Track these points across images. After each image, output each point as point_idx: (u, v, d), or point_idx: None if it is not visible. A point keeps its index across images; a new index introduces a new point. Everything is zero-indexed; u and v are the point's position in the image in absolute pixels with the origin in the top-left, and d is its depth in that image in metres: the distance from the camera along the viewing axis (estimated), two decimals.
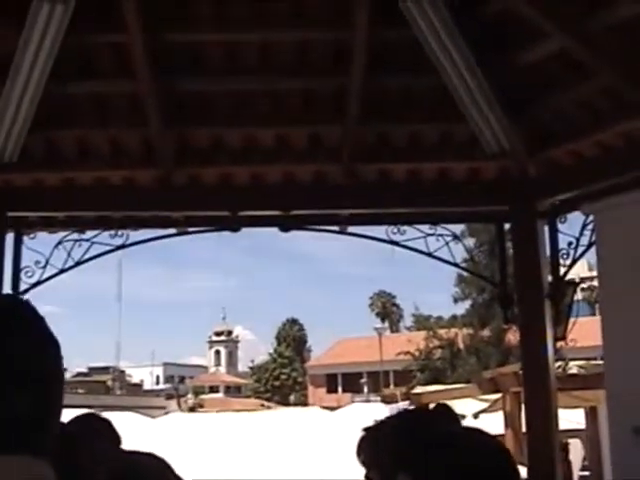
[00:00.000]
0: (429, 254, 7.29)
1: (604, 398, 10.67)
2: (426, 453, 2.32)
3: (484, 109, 6.71)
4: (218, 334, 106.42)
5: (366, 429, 4.24)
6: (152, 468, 5.33)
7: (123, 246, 7.36)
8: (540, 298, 6.98)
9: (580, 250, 7.02)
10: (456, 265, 7.80)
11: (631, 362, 6.50)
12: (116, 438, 5.47)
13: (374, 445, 3.91)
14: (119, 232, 7.38)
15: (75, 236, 7.42)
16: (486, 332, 46.11)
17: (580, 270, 8.19)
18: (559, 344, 7.46)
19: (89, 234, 7.42)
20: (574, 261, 7.00)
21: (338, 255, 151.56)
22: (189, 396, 71.03)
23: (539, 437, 7.02)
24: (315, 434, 13.32)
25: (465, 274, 47.38)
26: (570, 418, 14.85)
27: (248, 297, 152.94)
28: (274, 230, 7.47)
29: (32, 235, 7.57)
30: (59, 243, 7.39)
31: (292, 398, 74.17)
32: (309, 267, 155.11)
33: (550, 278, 7.15)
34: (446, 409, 4.06)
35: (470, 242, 35.25)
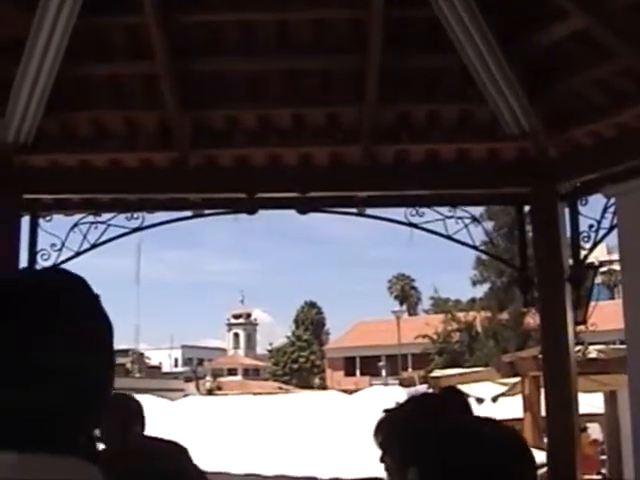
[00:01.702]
0: (448, 237, 7.21)
1: (624, 382, 10.60)
2: (433, 450, 2.26)
3: (504, 89, 6.62)
4: (237, 317, 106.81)
5: (386, 411, 4.19)
6: (170, 456, 5.32)
7: (139, 228, 7.31)
8: (560, 281, 6.89)
9: (601, 233, 6.91)
10: (475, 248, 7.71)
11: None
12: (144, 421, 5.48)
13: (390, 429, 3.87)
14: (135, 214, 7.34)
15: (91, 218, 7.36)
16: (505, 315, 46.09)
17: (599, 254, 8.11)
18: (579, 328, 7.36)
19: (105, 216, 7.36)
20: (595, 244, 6.90)
21: (357, 238, 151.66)
22: (207, 378, 71.18)
23: (558, 422, 6.94)
24: (333, 417, 13.31)
25: (484, 257, 47.39)
26: (589, 402, 14.75)
27: (267, 280, 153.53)
28: (292, 213, 7.39)
29: (48, 218, 7.53)
30: (75, 225, 7.35)
31: (316, 381, 74.24)
32: (327, 250, 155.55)
33: (570, 261, 7.06)
34: (457, 394, 4.01)
35: (489, 225, 35.07)
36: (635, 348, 6.84)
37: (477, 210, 7.60)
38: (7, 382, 1.38)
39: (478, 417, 2.70)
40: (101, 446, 4.53)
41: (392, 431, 3.82)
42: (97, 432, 1.53)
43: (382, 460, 3.85)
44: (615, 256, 8.73)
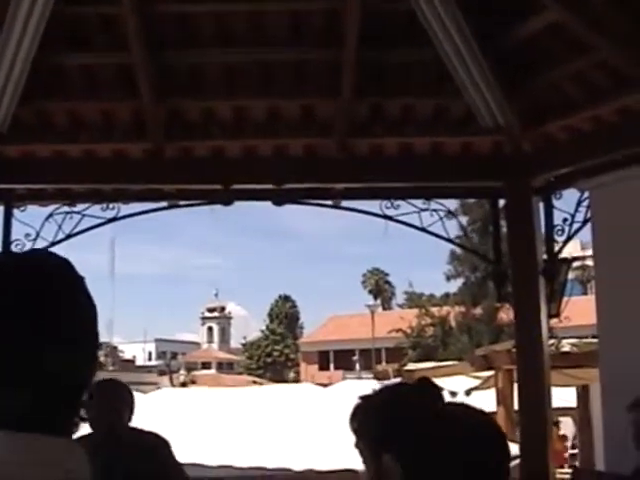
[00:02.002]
0: (423, 229, 7.24)
1: (596, 376, 10.68)
2: (410, 435, 2.28)
3: (479, 83, 6.65)
4: (211, 310, 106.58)
5: (361, 397, 4.22)
6: (156, 447, 5.33)
7: (114, 219, 7.31)
8: (534, 275, 6.93)
9: (575, 227, 6.97)
10: (450, 241, 7.74)
11: (626, 339, 6.47)
12: (133, 407, 5.48)
13: (365, 415, 3.89)
14: (110, 205, 7.33)
15: (66, 209, 7.36)
16: (478, 310, 46.20)
17: (573, 249, 8.14)
18: (553, 321, 7.40)
19: (80, 207, 7.36)
20: (569, 238, 6.96)
21: (331, 233, 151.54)
22: (181, 372, 71.03)
23: (531, 415, 6.99)
24: (307, 410, 13.31)
25: (458, 251, 47.51)
26: (562, 396, 14.83)
27: (241, 274, 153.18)
28: (267, 207, 7.40)
29: (22, 208, 7.50)
30: (50, 216, 7.33)
31: (290, 375, 74.26)
32: (302, 244, 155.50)
33: (544, 255, 7.10)
34: (432, 386, 4.04)
35: (463, 220, 35.12)
36: (606, 341, 6.90)
37: (452, 204, 7.62)
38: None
39: (453, 403, 2.73)
40: (88, 430, 4.53)
41: (367, 417, 3.84)
42: (85, 415, 1.53)
43: (357, 446, 3.88)
44: (589, 252, 8.81)
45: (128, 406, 5.42)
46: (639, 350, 6.29)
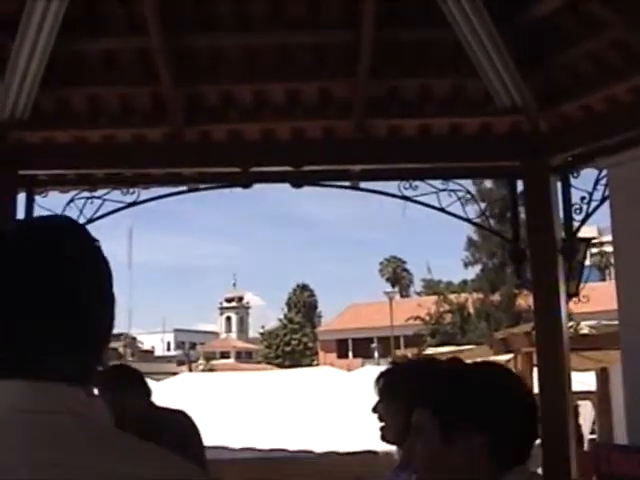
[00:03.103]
0: (441, 209, 7.26)
1: (615, 359, 10.68)
2: (445, 389, 2.35)
3: (497, 63, 6.67)
4: (229, 300, 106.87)
5: (391, 362, 4.30)
6: (177, 424, 5.40)
7: (135, 203, 7.36)
8: (553, 254, 6.95)
9: (593, 205, 6.98)
10: (468, 221, 7.76)
11: None
12: (147, 389, 5.54)
13: (393, 377, 3.97)
14: (130, 190, 7.39)
15: (86, 194, 7.41)
16: (496, 297, 46.14)
17: (590, 235, 8.14)
18: (571, 305, 7.40)
19: (100, 192, 7.42)
20: (587, 216, 6.96)
21: (348, 220, 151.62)
22: (200, 362, 71.22)
23: (551, 398, 6.96)
24: (329, 393, 13.36)
25: (475, 238, 47.46)
26: (581, 380, 14.82)
27: (259, 263, 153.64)
28: (285, 196, 7.46)
29: (44, 194, 7.56)
30: (71, 201, 7.39)
31: (309, 364, 74.35)
32: (319, 232, 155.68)
33: (563, 234, 7.12)
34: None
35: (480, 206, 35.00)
36: (628, 321, 6.91)
37: (469, 189, 7.59)
38: (39, 315, 1.43)
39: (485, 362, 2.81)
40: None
41: (396, 378, 3.92)
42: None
43: (376, 409, 3.96)
44: (606, 237, 8.83)
45: (140, 388, 5.47)
46: None
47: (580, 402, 18.57)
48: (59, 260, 1.47)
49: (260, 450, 10.56)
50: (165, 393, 13.73)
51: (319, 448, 10.59)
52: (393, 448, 4.42)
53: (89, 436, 1.39)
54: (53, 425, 1.37)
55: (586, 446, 17.79)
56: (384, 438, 4.01)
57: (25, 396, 1.39)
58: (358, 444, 9.71)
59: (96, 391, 1.56)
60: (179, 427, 5.32)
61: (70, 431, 1.37)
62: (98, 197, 7.34)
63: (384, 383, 4.00)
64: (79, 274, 1.49)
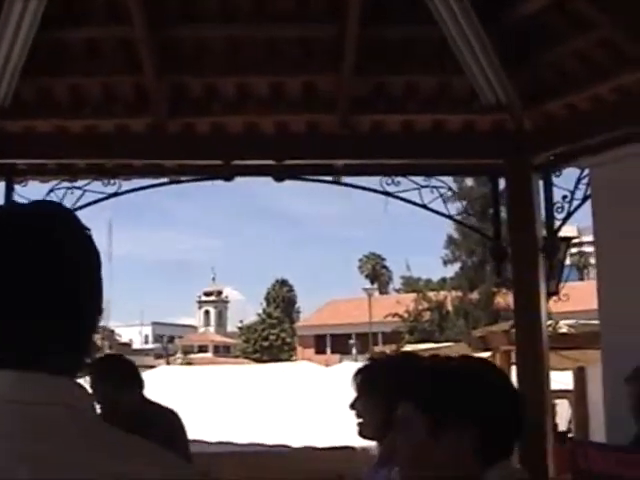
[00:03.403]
0: (423, 205, 7.27)
1: (593, 358, 10.70)
2: (428, 384, 2.34)
3: (482, 61, 6.66)
4: (208, 294, 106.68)
5: (369, 359, 4.29)
6: (165, 419, 5.40)
7: (116, 194, 7.32)
8: (534, 252, 6.96)
9: (575, 204, 7.00)
10: (450, 217, 7.77)
11: (627, 316, 6.48)
12: (140, 381, 5.52)
13: (372, 373, 3.96)
14: (112, 181, 7.35)
15: (67, 184, 7.36)
16: (475, 295, 46.28)
17: (570, 234, 8.17)
18: (550, 303, 7.42)
19: (81, 182, 7.37)
20: (569, 215, 6.99)
21: (329, 217, 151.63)
22: (178, 355, 71.08)
23: (530, 396, 6.96)
24: (306, 388, 13.36)
25: (455, 236, 47.57)
26: (558, 379, 14.86)
27: (238, 258, 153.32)
28: (266, 190, 7.44)
29: (23, 183, 7.51)
30: (51, 191, 7.35)
31: (287, 359, 74.38)
32: (300, 228, 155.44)
33: (544, 232, 7.13)
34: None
35: (460, 205, 35.10)
36: (608, 319, 6.92)
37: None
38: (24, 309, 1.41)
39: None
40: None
41: (375, 373, 3.91)
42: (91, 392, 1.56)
43: (353, 406, 3.94)
44: (585, 238, 8.88)
45: (133, 379, 5.45)
46: (639, 328, 6.31)
47: (557, 401, 18.63)
48: (60, 257, 1.45)
49: (237, 444, 10.55)
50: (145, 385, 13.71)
51: (296, 443, 10.58)
52: (371, 444, 4.40)
53: (79, 429, 1.37)
54: (44, 417, 1.35)
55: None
56: (362, 434, 3.99)
57: (15, 387, 1.37)
58: (336, 439, 9.71)
59: (88, 382, 1.53)
60: (167, 423, 5.34)
61: (63, 424, 1.35)
62: (79, 187, 7.30)
63: (362, 379, 3.98)
64: (78, 271, 1.46)
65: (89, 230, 1.54)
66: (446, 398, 2.27)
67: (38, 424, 1.33)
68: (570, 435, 19.70)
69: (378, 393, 3.75)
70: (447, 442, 2.22)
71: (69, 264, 1.45)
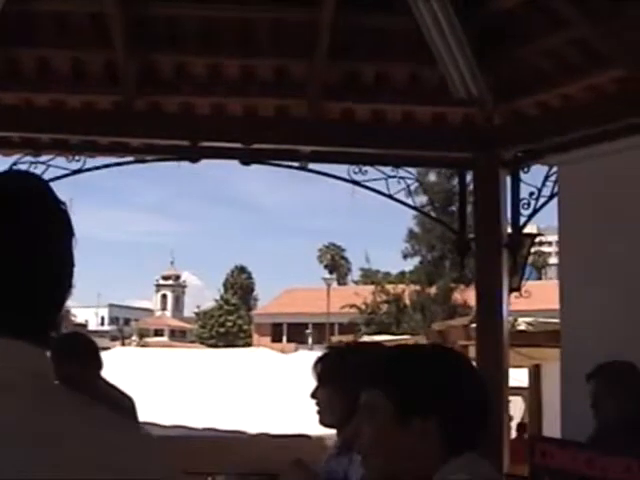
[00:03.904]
0: (389, 196, 7.24)
1: (550, 356, 10.75)
2: (398, 371, 2.31)
3: (455, 54, 6.64)
4: (165, 278, 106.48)
5: (328, 347, 4.26)
6: (122, 404, 5.36)
7: (80, 171, 7.22)
8: (498, 247, 6.97)
9: (541, 201, 7.01)
10: (415, 208, 7.77)
11: (587, 316, 6.50)
12: (99, 362, 5.43)
13: (332, 361, 3.93)
14: (76, 157, 7.25)
15: (30, 159, 7.26)
16: (433, 290, 46.49)
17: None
18: (511, 298, 7.42)
19: (45, 157, 7.27)
20: (535, 212, 7.00)
21: (291, 206, 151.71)
22: (134, 338, 70.83)
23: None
24: (263, 374, 13.34)
25: (416, 230, 47.73)
26: (513, 376, 14.93)
27: (197, 243, 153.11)
28: (227, 176, 7.38)
29: None
30: (14, 164, 7.24)
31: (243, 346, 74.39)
32: (261, 216, 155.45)
33: (509, 228, 7.14)
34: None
35: (423, 199, 35.22)
36: (568, 318, 6.93)
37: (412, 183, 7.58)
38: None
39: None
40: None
41: (335, 362, 3.88)
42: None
43: (313, 395, 3.91)
44: (545, 238, 8.93)
45: (95, 357, 5.37)
46: (600, 326, 6.34)
47: (511, 397, 18.74)
48: (23, 223, 1.42)
49: (192, 428, 10.49)
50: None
51: (252, 429, 10.54)
52: (326, 433, 4.37)
53: (37, 392, 1.34)
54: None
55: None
56: (323, 422, 3.97)
57: None
58: (292, 427, 9.68)
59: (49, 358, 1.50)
60: (131, 408, 5.30)
61: (21, 388, 1.32)
62: (42, 162, 7.20)
63: (322, 368, 3.95)
64: (40, 240, 1.43)
65: (63, 204, 1.51)
66: (413, 385, 2.25)
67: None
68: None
69: (339, 381, 3.73)
70: (413, 430, 2.20)
71: (31, 232, 1.42)
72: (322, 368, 3.94)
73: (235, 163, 7.36)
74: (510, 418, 19.78)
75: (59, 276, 1.46)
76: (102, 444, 1.31)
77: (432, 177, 39.71)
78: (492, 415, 2.43)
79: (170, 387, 12.54)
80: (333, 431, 4.01)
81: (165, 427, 9.75)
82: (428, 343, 3.43)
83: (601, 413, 5.01)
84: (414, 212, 7.93)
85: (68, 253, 1.49)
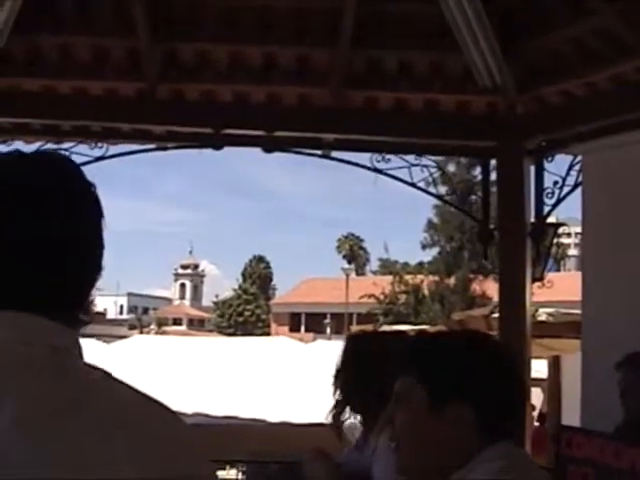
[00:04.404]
0: (412, 184, 7.21)
1: (570, 347, 10.70)
2: (429, 357, 2.29)
3: (480, 41, 6.60)
4: (184, 267, 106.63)
5: (349, 336, 4.24)
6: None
7: (102, 158, 7.22)
8: (522, 236, 6.93)
9: (565, 190, 6.97)
10: (438, 197, 7.73)
11: (610, 307, 6.46)
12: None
13: (355, 351, 3.90)
14: (98, 144, 7.25)
15: (52, 146, 7.26)
16: (452, 280, 46.40)
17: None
18: (536, 286, 7.38)
19: (67, 145, 7.28)
20: (559, 201, 6.95)
21: (309, 195, 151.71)
22: (152, 327, 71.06)
23: None
24: (284, 363, 13.32)
25: (435, 220, 47.63)
26: (533, 367, 14.86)
27: (217, 232, 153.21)
28: (249, 166, 7.39)
29: (8, 142, 7.40)
30: None
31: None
32: (279, 205, 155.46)
33: (533, 217, 7.10)
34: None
35: (442, 190, 35.14)
36: (591, 308, 6.89)
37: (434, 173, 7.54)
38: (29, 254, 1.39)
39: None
40: None
41: (354, 352, 3.86)
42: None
43: (336, 380, 3.87)
44: (563, 229, 8.90)
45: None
46: (622, 316, 6.29)
47: (531, 389, 18.66)
48: (50, 206, 1.43)
49: (213, 417, 10.51)
50: (117, 356, 13.64)
51: (273, 418, 10.56)
52: (346, 423, 4.35)
53: (62, 370, 1.35)
54: (24, 355, 1.33)
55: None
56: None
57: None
58: (311, 416, 9.68)
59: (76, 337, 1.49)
60: None
61: (41, 363, 1.33)
62: (65, 149, 7.18)
63: (348, 354, 3.93)
64: (68, 223, 1.44)
65: (93, 185, 1.52)
66: (447, 369, 2.22)
67: (20, 361, 1.32)
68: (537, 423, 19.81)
69: (359, 371, 3.72)
70: (446, 418, 2.17)
71: (61, 211, 1.43)
72: (347, 354, 3.92)
73: (255, 153, 7.35)
74: (533, 408, 19.81)
75: (88, 256, 1.47)
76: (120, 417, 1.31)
77: (451, 168, 39.59)
78: (526, 402, 2.41)
79: (189, 375, 12.54)
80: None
81: (185, 415, 9.76)
82: (459, 329, 3.38)
83: (630, 402, 4.98)
84: (433, 203, 7.86)
85: (97, 234, 1.50)
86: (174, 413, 1.42)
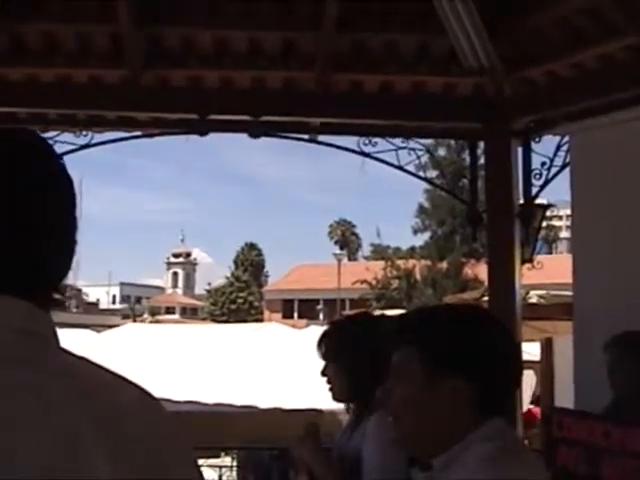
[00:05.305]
0: (400, 167, 7.19)
1: (562, 329, 10.71)
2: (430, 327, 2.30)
3: (466, 23, 6.55)
4: (176, 256, 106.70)
5: (331, 322, 4.24)
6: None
7: (87, 146, 7.19)
8: (510, 218, 6.91)
9: (553, 171, 6.95)
10: (426, 180, 7.71)
11: (601, 288, 6.45)
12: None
13: (338, 338, 3.89)
14: (83, 132, 7.21)
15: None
16: (444, 265, 46.49)
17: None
18: (525, 267, 7.38)
19: (52, 133, 7.24)
20: (547, 182, 6.94)
21: (300, 182, 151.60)
22: (145, 316, 71.05)
23: None
24: (275, 349, 13.34)
25: (426, 205, 47.68)
26: (525, 350, 14.88)
27: (208, 220, 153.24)
28: (237, 153, 7.33)
29: None
30: None
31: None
32: (270, 192, 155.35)
33: (521, 199, 7.08)
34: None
35: (432, 174, 35.13)
36: (582, 289, 6.88)
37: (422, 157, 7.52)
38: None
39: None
40: None
41: (338, 339, 3.85)
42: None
43: (323, 373, 3.87)
44: (556, 211, 8.90)
45: None
46: (613, 298, 6.29)
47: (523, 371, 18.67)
48: (21, 183, 1.40)
49: (204, 404, 10.51)
50: (109, 344, 13.63)
51: (263, 404, 10.56)
52: (339, 407, 4.35)
53: (31, 353, 1.32)
54: None
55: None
56: (336, 398, 3.95)
57: None
58: (303, 402, 9.70)
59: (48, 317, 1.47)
60: None
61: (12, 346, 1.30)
62: (50, 138, 7.14)
63: (325, 345, 3.92)
64: (47, 192, 1.42)
65: (62, 161, 1.51)
66: (446, 338, 2.24)
67: None
68: (531, 406, 19.85)
69: (343, 357, 3.72)
70: (444, 389, 2.20)
71: (31, 187, 1.40)
72: (325, 346, 3.91)
73: (244, 140, 7.32)
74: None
75: (57, 231, 1.44)
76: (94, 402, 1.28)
77: (442, 152, 39.59)
78: (521, 375, 2.42)
79: (182, 362, 12.54)
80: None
81: (177, 402, 9.76)
82: (458, 302, 3.41)
83: (617, 383, 4.98)
84: (424, 187, 7.83)
85: (67, 209, 1.47)
86: (153, 398, 1.40)
